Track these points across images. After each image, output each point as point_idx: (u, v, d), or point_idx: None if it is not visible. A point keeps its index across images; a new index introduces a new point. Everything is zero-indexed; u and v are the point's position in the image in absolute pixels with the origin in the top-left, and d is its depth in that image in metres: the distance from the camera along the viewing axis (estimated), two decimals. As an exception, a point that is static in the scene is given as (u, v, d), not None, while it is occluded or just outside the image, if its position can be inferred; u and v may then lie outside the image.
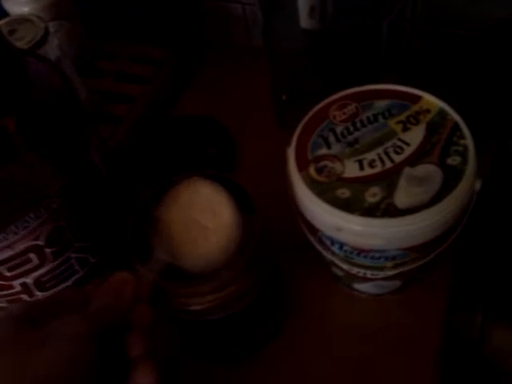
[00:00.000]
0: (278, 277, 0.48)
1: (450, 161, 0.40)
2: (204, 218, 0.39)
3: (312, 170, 0.42)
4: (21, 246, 0.37)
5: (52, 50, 0.55)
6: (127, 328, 0.34)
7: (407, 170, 0.40)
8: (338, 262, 0.45)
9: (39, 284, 0.40)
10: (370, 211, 0.39)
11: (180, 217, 0.40)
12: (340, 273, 0.48)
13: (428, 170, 0.40)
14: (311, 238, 0.45)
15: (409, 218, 0.38)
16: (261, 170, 0.58)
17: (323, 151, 0.42)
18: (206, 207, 0.39)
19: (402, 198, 0.39)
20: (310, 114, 0.45)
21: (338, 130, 0.43)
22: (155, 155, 0.63)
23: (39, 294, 0.41)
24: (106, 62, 0.71)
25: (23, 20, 0.55)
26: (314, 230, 0.43)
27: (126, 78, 0.68)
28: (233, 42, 0.75)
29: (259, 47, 0.62)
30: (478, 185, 0.40)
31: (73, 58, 0.65)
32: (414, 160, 0.40)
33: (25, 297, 0.41)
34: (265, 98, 0.66)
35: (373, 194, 0.39)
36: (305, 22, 0.51)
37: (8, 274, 0.38)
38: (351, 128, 0.43)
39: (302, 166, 0.42)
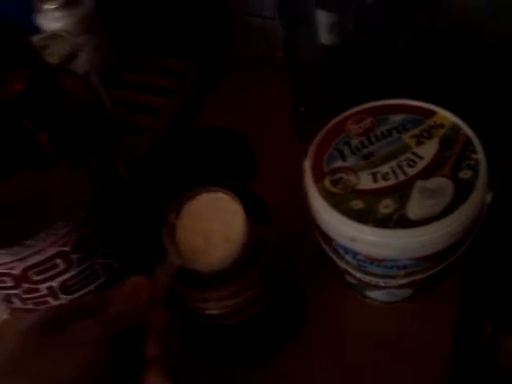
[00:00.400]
0: (294, 284, 0.49)
1: (461, 174, 0.41)
2: (217, 227, 0.41)
3: (327, 182, 0.43)
4: (49, 252, 0.39)
5: (81, 64, 0.58)
6: (143, 331, 0.35)
7: (420, 183, 0.41)
8: (351, 270, 0.46)
9: (64, 288, 0.42)
10: (383, 222, 0.40)
11: (194, 225, 0.42)
12: (353, 281, 0.49)
13: (440, 182, 0.41)
14: (326, 248, 0.47)
15: (420, 229, 0.39)
16: (279, 180, 0.60)
17: (339, 164, 0.44)
18: (220, 217, 0.41)
19: (414, 210, 0.40)
20: (327, 127, 0.47)
21: (354, 143, 0.45)
22: (177, 165, 0.65)
23: (64, 298, 0.43)
24: (131, 74, 0.73)
25: (55, 36, 0.58)
26: (328, 239, 0.45)
27: (150, 89, 0.71)
28: (254, 54, 0.77)
29: (280, 59, 0.63)
30: (488, 197, 0.41)
31: (100, 70, 0.67)
32: (426, 173, 0.42)
33: (50, 300, 0.43)
34: (285, 109, 0.67)
35: (386, 206, 0.41)
36: (325, 37, 0.53)
37: (36, 278, 0.41)
38: (366, 142, 0.45)
39: (318, 178, 0.44)
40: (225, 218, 0.41)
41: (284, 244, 0.44)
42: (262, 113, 0.70)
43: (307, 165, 0.45)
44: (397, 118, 0.46)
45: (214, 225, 0.41)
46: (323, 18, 0.51)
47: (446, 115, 0.45)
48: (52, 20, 0.63)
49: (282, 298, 0.45)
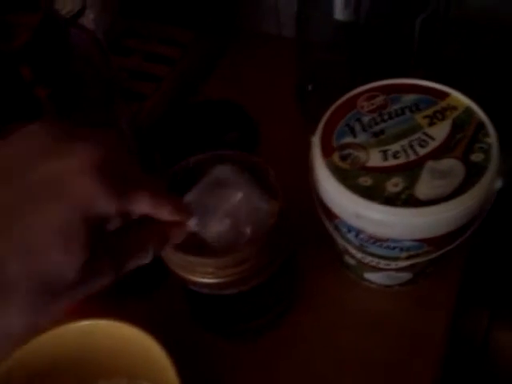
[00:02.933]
0: (293, 259, 0.48)
1: (473, 157, 0.41)
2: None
3: (336, 157, 0.42)
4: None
5: (87, 22, 0.56)
6: None
7: (430, 163, 0.41)
8: (351, 250, 0.46)
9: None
10: (390, 200, 0.39)
11: None
12: (352, 261, 0.49)
13: (451, 164, 0.40)
14: (328, 225, 0.46)
15: (428, 209, 0.39)
16: (281, 156, 0.58)
17: (349, 139, 0.43)
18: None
19: (423, 190, 0.39)
20: (338, 102, 0.46)
21: (365, 120, 0.44)
22: (178, 135, 0.63)
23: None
24: (134, 41, 0.72)
25: (61, -9, 0.56)
26: (332, 216, 0.44)
27: (153, 58, 0.69)
28: (262, 30, 0.75)
29: (288, 39, 0.62)
30: (498, 183, 0.41)
31: (103, 33, 0.66)
32: (437, 154, 0.41)
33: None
34: (289, 88, 0.66)
35: (395, 184, 0.40)
36: (339, 13, 0.52)
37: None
38: (378, 119, 0.44)
39: (327, 153, 0.43)
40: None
41: (287, 219, 0.44)
42: (265, 89, 0.69)
43: (316, 139, 0.44)
44: (410, 98, 0.45)
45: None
46: (339, -7, 0.50)
47: (459, 98, 0.44)
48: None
49: (280, 273, 0.45)
